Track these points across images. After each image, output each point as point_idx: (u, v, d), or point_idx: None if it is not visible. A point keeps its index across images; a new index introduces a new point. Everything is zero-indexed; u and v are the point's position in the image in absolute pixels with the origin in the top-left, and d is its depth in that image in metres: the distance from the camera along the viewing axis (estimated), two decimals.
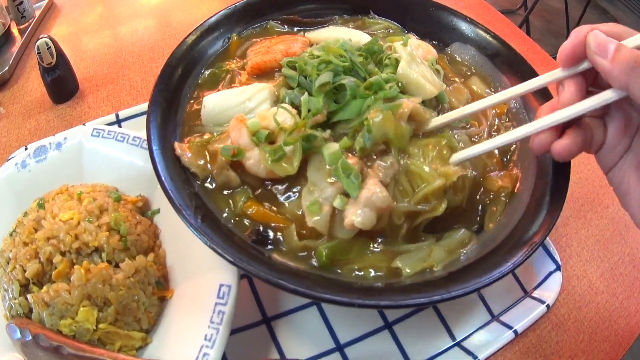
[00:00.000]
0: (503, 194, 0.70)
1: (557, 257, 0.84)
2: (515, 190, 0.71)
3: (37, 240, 0.67)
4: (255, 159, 0.63)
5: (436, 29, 0.89)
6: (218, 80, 0.78)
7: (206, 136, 0.68)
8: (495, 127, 0.79)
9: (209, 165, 0.65)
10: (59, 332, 0.63)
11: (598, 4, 3.73)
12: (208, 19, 0.82)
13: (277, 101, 0.70)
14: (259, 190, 0.66)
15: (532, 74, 0.79)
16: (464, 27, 0.87)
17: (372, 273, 0.62)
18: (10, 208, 0.77)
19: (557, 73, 0.59)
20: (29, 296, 0.64)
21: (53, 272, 0.65)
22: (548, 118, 0.58)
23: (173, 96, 0.72)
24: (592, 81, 0.59)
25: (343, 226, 0.61)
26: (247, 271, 0.54)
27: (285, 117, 0.64)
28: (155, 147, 0.62)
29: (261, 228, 0.64)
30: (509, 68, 0.83)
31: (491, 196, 0.70)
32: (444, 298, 0.56)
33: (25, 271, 0.65)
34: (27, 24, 1.40)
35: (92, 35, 1.34)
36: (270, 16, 0.86)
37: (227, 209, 0.64)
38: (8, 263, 0.68)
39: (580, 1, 3.31)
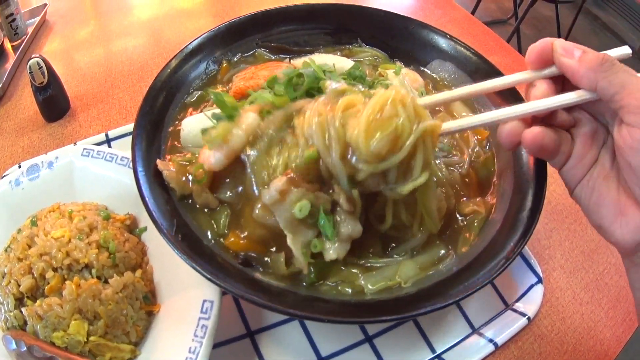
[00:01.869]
0: (476, 221, 0.77)
1: (539, 270, 0.91)
2: (490, 217, 0.77)
3: (30, 256, 0.75)
4: (209, 154, 0.71)
5: (416, 47, 0.97)
6: (202, 101, 0.87)
7: (188, 156, 0.76)
8: (475, 154, 0.86)
9: (190, 184, 0.73)
10: (52, 343, 0.71)
11: (589, 11, 3.84)
12: (191, 42, 0.90)
13: None
14: (239, 207, 0.73)
15: (511, 88, 0.86)
16: (444, 44, 0.95)
17: (349, 290, 0.70)
18: (5, 224, 0.86)
19: (528, 73, 0.65)
20: (23, 309, 0.72)
21: (46, 287, 0.73)
22: (517, 107, 0.63)
23: (157, 119, 0.80)
24: (561, 90, 0.64)
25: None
26: (223, 287, 0.61)
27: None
28: (140, 169, 0.70)
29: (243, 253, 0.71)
30: None
31: (464, 223, 0.77)
32: (409, 315, 0.64)
33: (19, 285, 0.73)
34: (20, 40, 1.50)
35: (83, 54, 1.44)
36: (252, 37, 0.94)
37: (209, 231, 0.72)
38: (3, 277, 0.76)
39: (572, 9, 3.41)
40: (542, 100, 0.62)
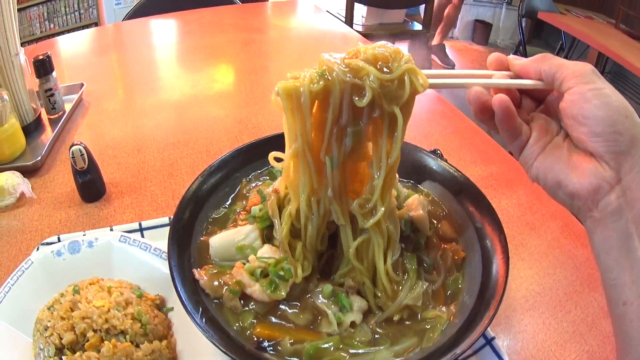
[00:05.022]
0: (439, 324, 1.03)
1: None
2: (451, 320, 1.04)
3: (73, 317, 1.02)
4: (258, 290, 1.02)
5: (410, 169, 1.27)
6: (228, 219, 1.19)
7: (219, 268, 1.07)
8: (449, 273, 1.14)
9: (223, 290, 1.03)
10: None
11: None
12: (216, 160, 1.22)
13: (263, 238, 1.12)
14: (265, 310, 1.03)
15: (490, 210, 1.16)
16: (433, 165, 1.25)
17: None
18: (46, 286, 1.12)
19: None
20: (63, 358, 0.98)
21: (86, 344, 0.99)
22: (488, 80, 0.87)
23: (187, 225, 1.12)
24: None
25: None
26: (232, 357, 0.89)
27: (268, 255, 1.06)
28: (173, 263, 1.02)
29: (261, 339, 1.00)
30: (471, 203, 1.18)
31: (428, 326, 1.04)
32: None
33: (61, 338, 0.99)
34: (57, 115, 1.83)
35: (118, 142, 1.75)
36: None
37: (233, 321, 1.01)
38: (46, 329, 1.02)
39: None
40: (506, 80, 0.87)
